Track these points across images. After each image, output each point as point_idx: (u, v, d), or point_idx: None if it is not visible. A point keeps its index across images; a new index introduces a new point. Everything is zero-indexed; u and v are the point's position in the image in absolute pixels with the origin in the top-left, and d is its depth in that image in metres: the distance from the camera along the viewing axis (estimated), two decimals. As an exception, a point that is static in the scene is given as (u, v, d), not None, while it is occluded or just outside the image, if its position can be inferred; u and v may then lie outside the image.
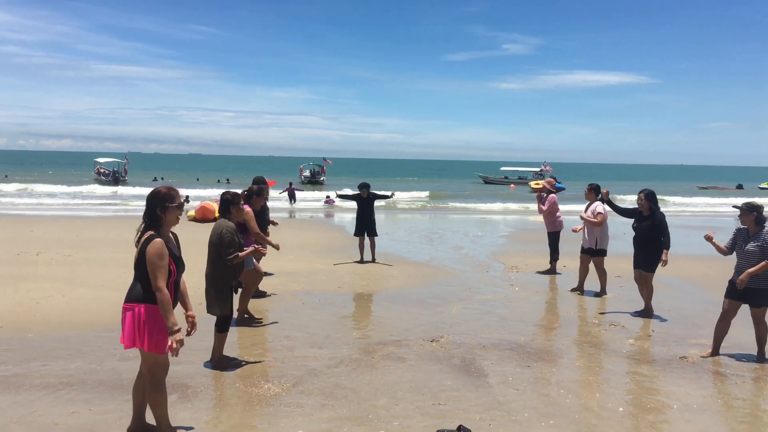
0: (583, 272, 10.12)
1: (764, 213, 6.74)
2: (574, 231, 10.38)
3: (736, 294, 6.72)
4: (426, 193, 43.56)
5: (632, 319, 8.48)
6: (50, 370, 5.83)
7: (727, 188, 60.88)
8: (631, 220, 8.84)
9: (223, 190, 6.72)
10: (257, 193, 8.40)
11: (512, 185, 57.82)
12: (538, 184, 49.92)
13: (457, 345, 7.03)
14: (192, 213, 20.72)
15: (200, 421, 4.74)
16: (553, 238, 12.06)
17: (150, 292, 4.01)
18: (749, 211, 6.65)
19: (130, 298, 4.11)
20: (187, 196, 26.14)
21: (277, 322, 7.84)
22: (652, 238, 8.44)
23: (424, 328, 7.76)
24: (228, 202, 6.30)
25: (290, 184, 32.30)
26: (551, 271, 12.01)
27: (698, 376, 6.13)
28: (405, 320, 8.36)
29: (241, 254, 6.02)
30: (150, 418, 4.44)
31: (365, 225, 12.98)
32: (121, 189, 39.18)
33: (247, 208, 8.12)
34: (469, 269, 12.38)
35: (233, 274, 6.09)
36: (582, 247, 10.08)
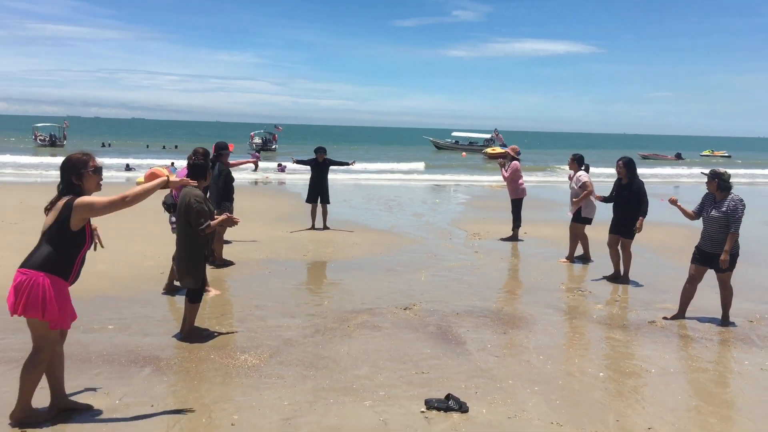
0: (574, 241, 10.20)
1: (729, 180, 6.87)
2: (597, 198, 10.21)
3: (702, 259, 6.87)
4: (422, 164, 41.58)
5: (597, 284, 8.61)
6: (10, 344, 5.51)
7: (667, 157, 62.61)
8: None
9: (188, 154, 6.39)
10: (222, 147, 8.19)
11: (464, 153, 58.10)
12: (495, 150, 50.32)
13: (430, 312, 6.98)
14: (140, 179, 20.13)
15: (180, 395, 4.55)
16: (516, 205, 12.11)
17: (54, 261, 3.77)
18: (712, 178, 6.78)
19: (30, 263, 3.80)
20: (173, 163, 25.25)
21: (244, 292, 7.64)
22: (631, 206, 8.56)
23: (395, 296, 7.68)
24: (199, 168, 6.00)
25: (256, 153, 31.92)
26: (513, 237, 12.08)
27: (669, 340, 6.25)
28: (375, 288, 8.26)
29: (213, 223, 5.76)
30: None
31: (318, 191, 12.73)
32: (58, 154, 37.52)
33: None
34: (432, 236, 12.35)
35: (206, 244, 5.84)
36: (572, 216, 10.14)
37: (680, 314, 7.05)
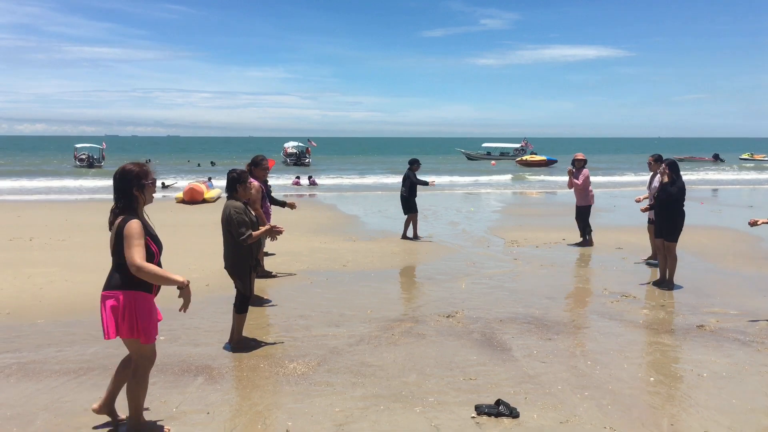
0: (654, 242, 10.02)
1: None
2: (641, 208, 10.02)
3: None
4: (509, 177, 40.94)
5: (642, 289, 8.50)
6: (67, 356, 5.69)
7: (705, 159, 61.47)
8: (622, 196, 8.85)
9: (229, 169, 6.50)
10: (256, 164, 8.33)
11: (493, 162, 58.00)
12: (533, 157, 50.09)
13: (473, 320, 6.98)
14: (180, 195, 20.54)
15: (234, 403, 4.65)
16: (585, 212, 12.03)
17: (130, 278, 3.80)
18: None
19: (110, 285, 3.88)
20: (210, 178, 25.58)
21: (287, 302, 7.74)
22: (673, 208, 8.48)
23: (437, 304, 7.71)
24: (234, 181, 6.10)
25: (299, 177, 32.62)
26: (586, 243, 11.98)
27: (719, 344, 6.15)
28: (416, 296, 8.30)
29: (255, 233, 5.87)
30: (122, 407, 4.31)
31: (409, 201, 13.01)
32: (92, 175, 38.05)
33: (254, 182, 7.98)
34: (470, 245, 12.34)
35: (250, 254, 5.95)
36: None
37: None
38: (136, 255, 3.73)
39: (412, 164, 13.32)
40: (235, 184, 6.05)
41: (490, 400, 4.64)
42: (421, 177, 13.53)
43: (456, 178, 35.32)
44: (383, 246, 12.03)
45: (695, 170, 42.75)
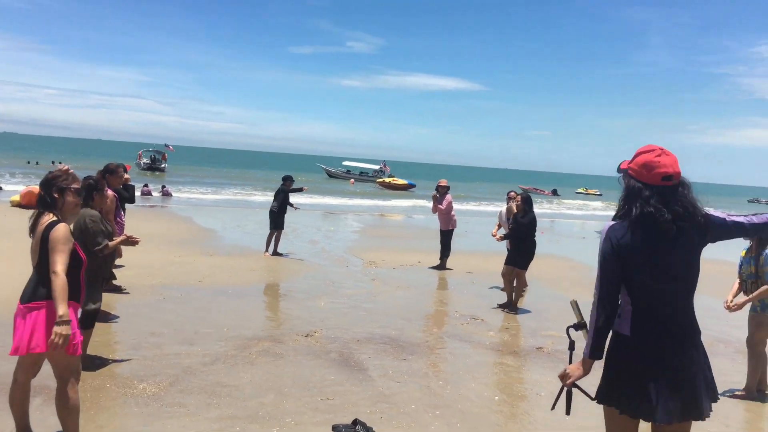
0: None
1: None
2: (494, 236, 10.72)
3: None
4: (369, 198, 40.43)
5: (490, 313, 9.02)
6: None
7: (545, 192, 66.33)
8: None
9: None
10: (110, 171, 7.91)
11: (352, 180, 59.09)
12: (395, 180, 51.40)
13: (331, 339, 7.05)
14: (16, 198, 18.88)
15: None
16: (447, 236, 12.51)
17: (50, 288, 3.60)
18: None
19: (37, 296, 3.67)
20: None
21: (137, 319, 7.37)
22: (525, 238, 9.18)
23: (296, 323, 7.70)
24: (91, 188, 5.77)
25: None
26: (442, 266, 12.46)
27: (555, 365, 6.67)
28: (274, 315, 8.25)
29: (111, 243, 5.57)
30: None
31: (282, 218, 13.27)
32: None
33: (110, 192, 7.55)
34: (329, 263, 12.45)
35: (104, 266, 5.63)
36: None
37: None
38: (60, 262, 3.58)
39: (285, 180, 13.62)
40: (92, 191, 5.71)
41: (347, 420, 4.71)
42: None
43: (317, 198, 35.47)
44: (242, 262, 11.81)
45: (536, 202, 46.06)
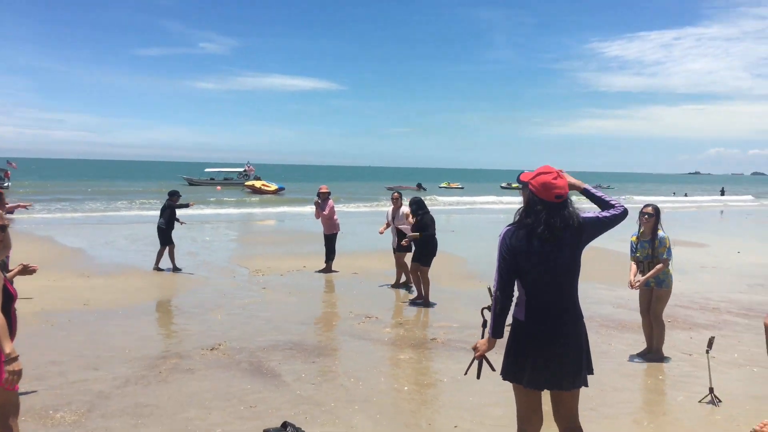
0: (401, 270, 11.27)
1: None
2: (381, 233, 11.73)
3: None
4: (238, 205, 38.99)
5: (380, 310, 9.55)
6: None
7: (410, 187, 68.58)
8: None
9: None
10: None
11: (219, 187, 57.97)
12: (264, 185, 50.90)
13: (238, 350, 7.23)
14: None
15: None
16: (331, 240, 12.86)
17: None
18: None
19: None
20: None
21: (31, 349, 7.10)
22: (427, 236, 9.96)
23: (198, 338, 7.78)
24: None
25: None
26: (328, 269, 12.79)
27: (450, 353, 7.31)
28: (174, 332, 8.25)
29: (9, 275, 5.43)
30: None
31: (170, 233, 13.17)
32: None
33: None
34: (215, 275, 12.43)
35: None
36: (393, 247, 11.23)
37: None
38: None
39: (171, 195, 13.52)
40: None
41: (275, 424, 4.99)
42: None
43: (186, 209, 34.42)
44: (123, 281, 11.51)
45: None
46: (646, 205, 6.85)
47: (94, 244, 17.19)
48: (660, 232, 6.63)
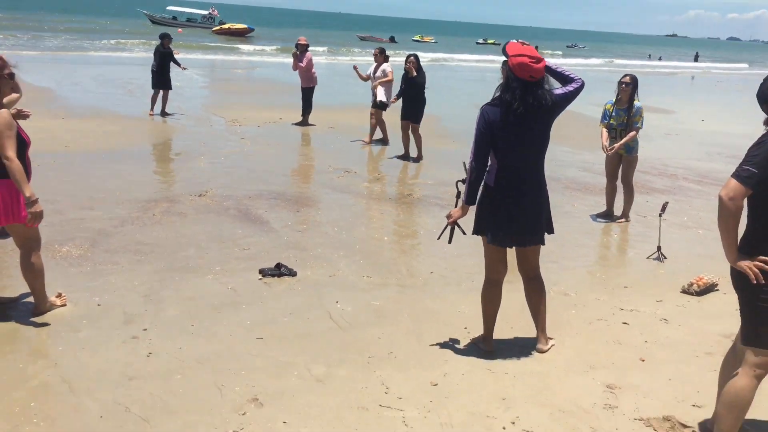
0: (375, 125, 11.48)
1: None
2: (355, 67, 11.85)
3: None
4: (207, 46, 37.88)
5: (358, 164, 9.94)
6: None
7: (383, 40, 66.61)
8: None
9: None
10: None
11: (180, 29, 55.49)
12: (232, 26, 49.19)
13: (225, 198, 7.59)
14: None
15: (20, 291, 4.69)
16: (308, 93, 12.92)
17: (3, 168, 3.85)
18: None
19: None
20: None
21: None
22: (418, 95, 10.18)
23: (184, 184, 8.10)
24: None
25: None
26: (305, 123, 12.98)
27: (426, 208, 7.77)
28: (160, 177, 8.57)
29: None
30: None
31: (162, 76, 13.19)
32: None
33: None
34: (192, 123, 12.54)
35: None
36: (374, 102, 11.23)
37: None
38: (9, 147, 3.74)
39: (162, 38, 13.40)
40: None
41: (268, 265, 5.49)
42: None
43: (147, 50, 33.25)
44: (100, 124, 11.57)
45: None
46: (625, 75, 7.13)
47: (61, 85, 16.87)
48: (636, 102, 6.95)
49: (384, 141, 11.56)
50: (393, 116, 11.16)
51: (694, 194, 9.03)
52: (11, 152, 3.85)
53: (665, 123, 16.13)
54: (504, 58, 3.89)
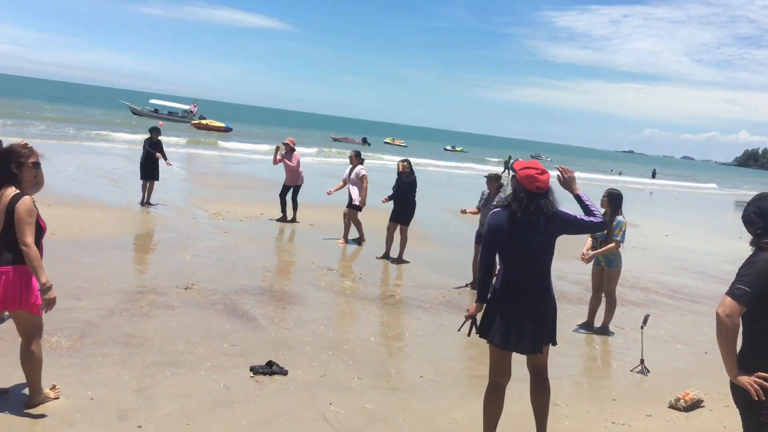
0: (349, 225, 11.64)
1: (503, 182, 9.13)
2: (329, 193, 12.14)
3: (480, 240, 9.05)
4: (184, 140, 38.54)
5: (340, 263, 10.10)
6: None
7: (356, 141, 68.42)
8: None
9: None
10: None
11: (161, 122, 56.49)
12: (210, 122, 50.06)
13: (211, 291, 7.63)
14: None
15: (13, 381, 4.64)
16: (295, 191, 13.24)
17: (18, 253, 3.93)
18: (495, 180, 9.01)
19: (1, 262, 3.96)
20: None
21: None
22: (409, 197, 10.50)
23: (170, 276, 8.13)
24: None
25: None
26: (292, 220, 13.25)
27: (408, 310, 7.92)
28: (146, 268, 8.58)
29: None
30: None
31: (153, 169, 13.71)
32: None
33: None
34: (175, 215, 12.65)
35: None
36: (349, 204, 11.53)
37: (474, 282, 9.19)
38: (29, 234, 3.80)
39: (152, 131, 14.10)
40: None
41: (257, 363, 5.49)
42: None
43: (126, 137, 33.75)
44: (86, 212, 11.62)
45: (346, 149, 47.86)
46: (608, 189, 7.55)
47: (45, 172, 16.88)
48: (619, 216, 7.31)
49: (360, 240, 11.79)
50: (372, 216, 11.47)
51: (667, 308, 9.33)
52: (30, 239, 3.95)
53: (632, 236, 16.66)
54: (513, 173, 4.26)
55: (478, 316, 4.22)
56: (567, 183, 4.25)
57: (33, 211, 4.05)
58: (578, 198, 4.20)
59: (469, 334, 4.28)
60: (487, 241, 4.13)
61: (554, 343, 4.24)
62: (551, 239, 4.11)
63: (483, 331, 4.17)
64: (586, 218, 4.14)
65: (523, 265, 4.07)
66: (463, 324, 4.34)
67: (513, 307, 4.04)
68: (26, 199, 4.04)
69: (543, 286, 4.12)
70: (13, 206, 3.99)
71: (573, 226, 4.11)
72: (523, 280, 4.06)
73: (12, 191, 4.06)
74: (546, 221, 4.00)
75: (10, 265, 4.03)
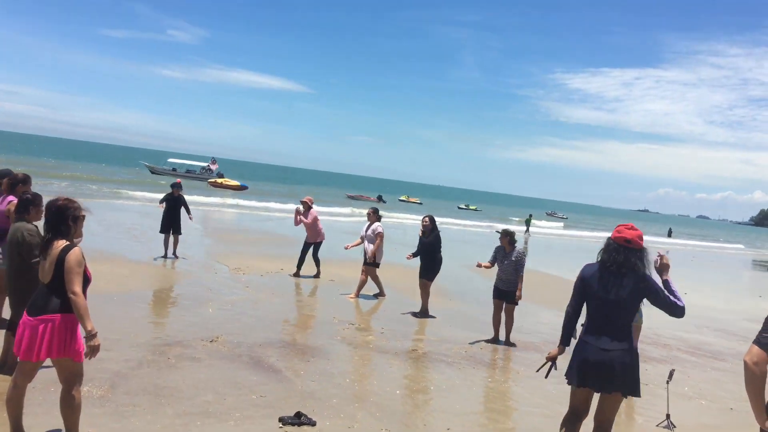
0: (365, 281, 11.80)
1: (514, 236, 9.23)
2: (347, 248, 12.19)
3: (499, 295, 9.26)
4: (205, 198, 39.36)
5: (361, 317, 10.16)
6: None
7: (371, 198, 68.98)
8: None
9: None
10: (23, 181, 7.87)
11: (179, 179, 57.40)
12: (226, 181, 50.79)
13: (236, 344, 7.72)
14: None
15: (48, 428, 4.73)
16: (316, 248, 13.36)
17: (67, 302, 4.09)
18: (505, 235, 9.17)
19: (49, 309, 4.12)
20: None
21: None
22: (434, 253, 10.61)
23: (195, 329, 8.23)
24: (28, 202, 6.02)
25: None
26: (316, 275, 13.38)
27: (432, 364, 7.94)
28: (171, 321, 8.68)
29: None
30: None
31: (171, 222, 14.11)
32: None
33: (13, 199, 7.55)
34: (196, 270, 12.82)
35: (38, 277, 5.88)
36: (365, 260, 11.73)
37: (495, 338, 9.34)
38: (77, 284, 3.94)
39: (173, 187, 14.62)
40: (28, 205, 5.95)
41: (285, 414, 5.54)
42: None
43: (146, 194, 34.33)
44: (111, 268, 11.80)
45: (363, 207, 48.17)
46: None
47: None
48: None
49: (379, 295, 11.88)
50: (392, 271, 11.53)
51: (690, 365, 9.25)
52: (78, 288, 4.12)
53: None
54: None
55: (560, 359, 4.58)
56: (661, 268, 4.51)
57: (82, 262, 4.23)
58: (666, 283, 4.44)
59: (546, 376, 4.61)
60: (576, 290, 4.49)
61: (636, 395, 4.40)
62: (636, 299, 4.35)
63: (568, 374, 4.48)
64: (669, 297, 4.36)
65: (606, 315, 4.32)
66: (543, 365, 4.70)
67: (592, 351, 4.30)
68: (76, 250, 4.23)
69: (623, 340, 4.31)
70: (63, 257, 4.17)
71: (658, 297, 4.35)
72: (604, 330, 4.31)
73: (62, 243, 4.25)
74: (635, 280, 4.29)
75: (57, 313, 4.19)
